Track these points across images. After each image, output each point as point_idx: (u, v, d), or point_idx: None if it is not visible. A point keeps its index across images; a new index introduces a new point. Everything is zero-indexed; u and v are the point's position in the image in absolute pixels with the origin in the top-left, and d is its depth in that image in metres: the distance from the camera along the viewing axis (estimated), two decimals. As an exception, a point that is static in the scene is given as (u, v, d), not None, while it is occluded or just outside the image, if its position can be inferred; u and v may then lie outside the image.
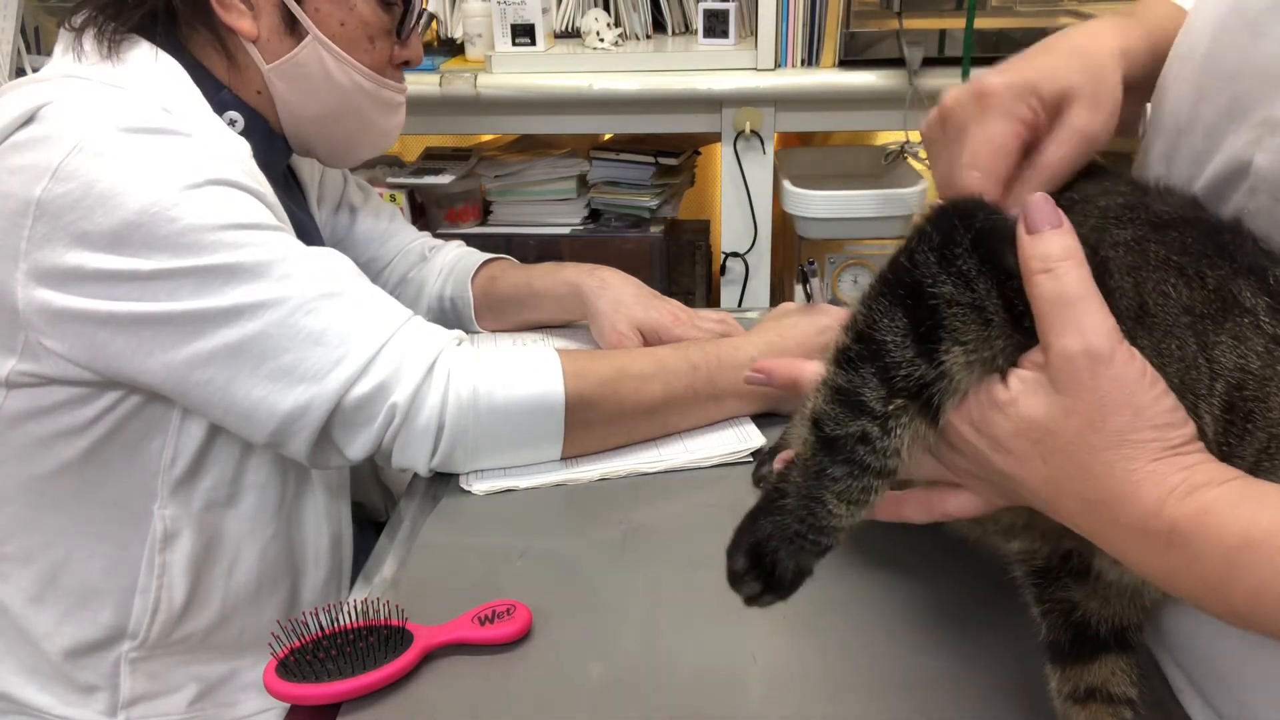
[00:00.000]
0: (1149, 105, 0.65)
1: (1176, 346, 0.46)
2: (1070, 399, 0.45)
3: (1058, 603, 0.57)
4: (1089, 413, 0.44)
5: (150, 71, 0.85)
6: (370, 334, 0.81)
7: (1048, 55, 0.65)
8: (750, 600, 0.54)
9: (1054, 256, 0.45)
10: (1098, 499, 0.45)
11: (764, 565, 0.53)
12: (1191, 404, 0.45)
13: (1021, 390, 0.47)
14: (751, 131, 1.72)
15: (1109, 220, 0.53)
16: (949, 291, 0.47)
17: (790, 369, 0.67)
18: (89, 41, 0.85)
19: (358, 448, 0.82)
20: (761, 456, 0.88)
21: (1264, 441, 0.44)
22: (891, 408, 0.48)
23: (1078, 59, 0.64)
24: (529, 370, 0.86)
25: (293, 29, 0.91)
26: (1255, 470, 0.44)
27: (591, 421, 0.88)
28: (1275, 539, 0.39)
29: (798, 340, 0.94)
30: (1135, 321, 0.47)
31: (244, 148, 0.86)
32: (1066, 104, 0.63)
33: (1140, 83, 0.64)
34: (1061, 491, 0.46)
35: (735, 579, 0.54)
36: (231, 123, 0.91)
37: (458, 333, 0.88)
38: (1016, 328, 0.47)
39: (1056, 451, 0.46)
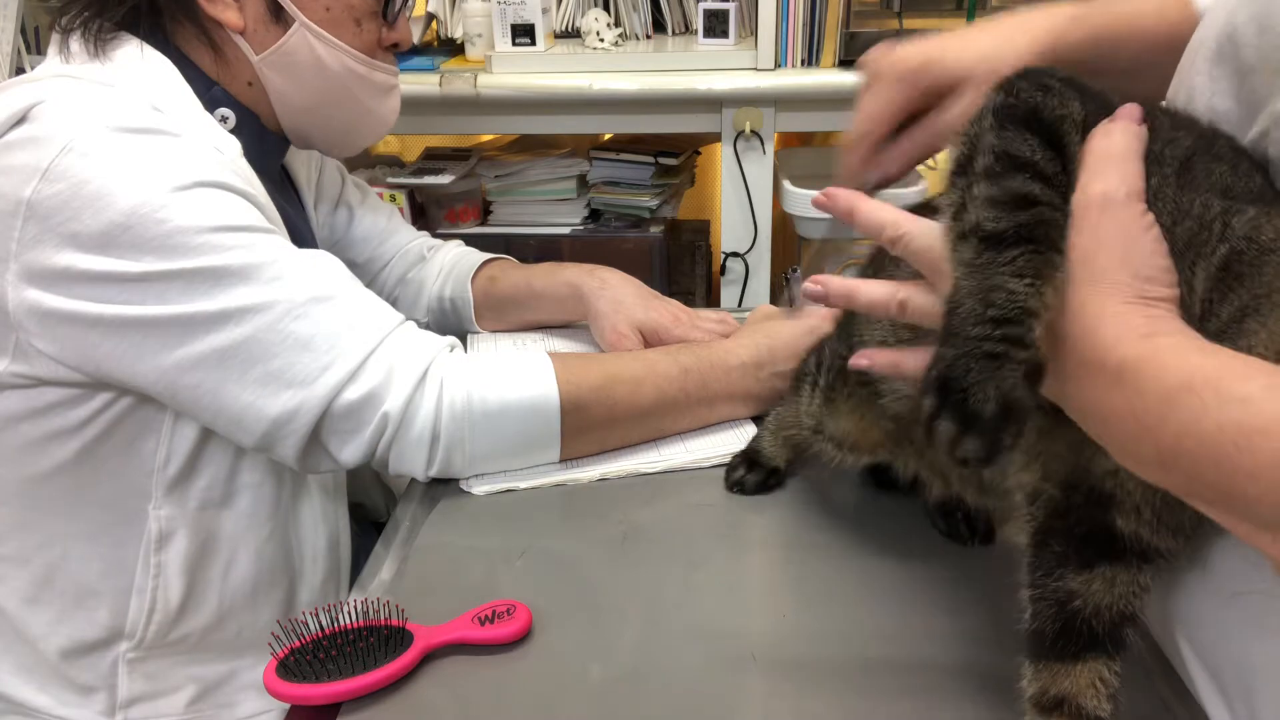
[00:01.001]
0: (1163, 104, 0.65)
1: (1200, 205, 0.49)
2: (1075, 235, 0.49)
3: (1051, 591, 0.55)
4: (1085, 247, 0.48)
5: (139, 69, 0.85)
6: (360, 339, 0.81)
7: (972, 35, 0.69)
8: (951, 449, 0.47)
9: (1114, 127, 0.51)
10: (1069, 333, 0.48)
11: (956, 399, 0.46)
12: (1191, 261, 0.48)
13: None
14: (751, 131, 1.72)
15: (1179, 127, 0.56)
16: (1060, 109, 0.52)
17: (851, 196, 0.63)
18: (76, 42, 0.85)
19: (349, 454, 0.82)
20: (734, 461, 0.87)
21: (1245, 301, 0.46)
22: (1059, 193, 0.50)
23: (993, 43, 0.68)
24: (523, 376, 0.86)
25: (279, 17, 0.90)
26: (1227, 329, 0.46)
27: (586, 426, 0.87)
28: (1213, 383, 0.42)
29: (786, 341, 0.94)
30: (1176, 172, 0.51)
31: (235, 146, 0.86)
32: (959, 89, 0.68)
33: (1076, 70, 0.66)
34: (1059, 324, 0.49)
35: (928, 425, 0.47)
36: (223, 120, 0.90)
37: (450, 339, 0.88)
38: None
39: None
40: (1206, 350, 0.44)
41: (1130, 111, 0.53)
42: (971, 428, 0.46)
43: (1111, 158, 0.50)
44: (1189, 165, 0.51)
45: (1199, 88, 0.58)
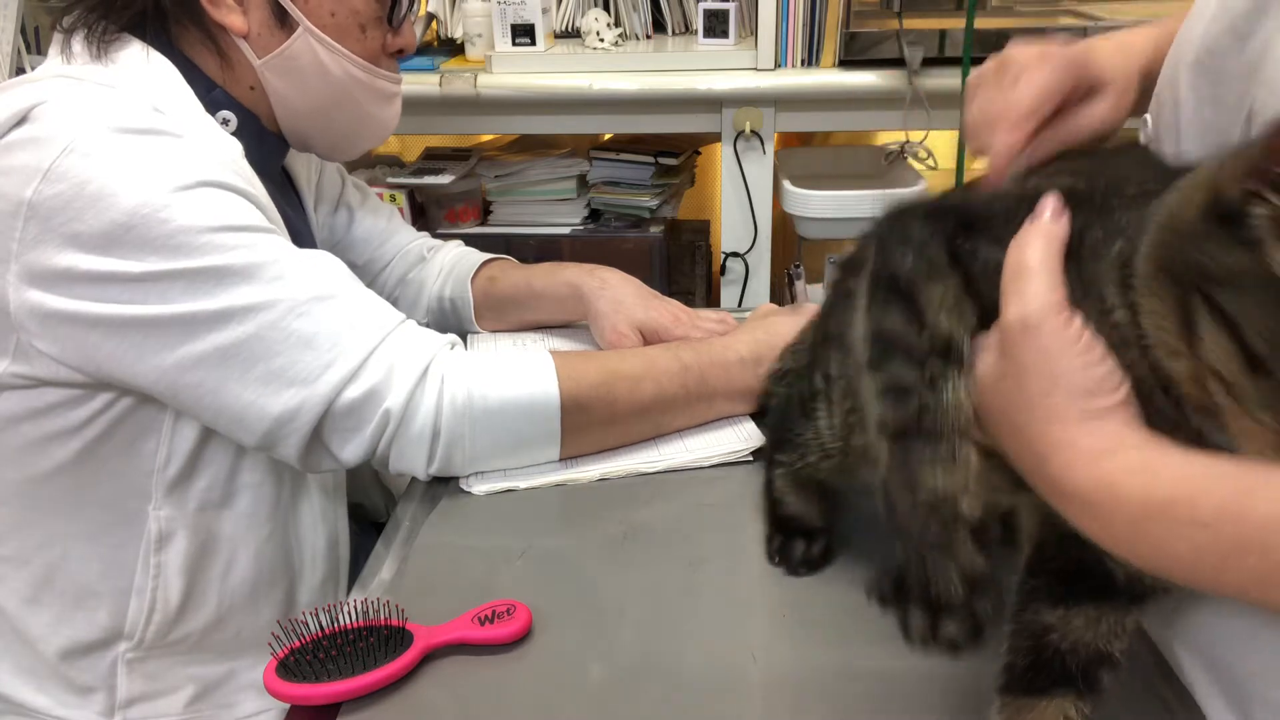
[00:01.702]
0: (1147, 116, 0.66)
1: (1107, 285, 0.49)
2: (1005, 363, 0.49)
3: (1027, 624, 0.55)
4: (1016, 376, 0.48)
5: (142, 71, 0.85)
6: (362, 337, 0.81)
7: (1100, 44, 0.72)
8: (930, 638, 0.51)
9: (1027, 236, 0.50)
10: (1030, 457, 0.48)
11: (918, 592, 0.51)
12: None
13: (980, 353, 0.51)
14: (751, 131, 1.72)
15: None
16: (923, 270, 0.52)
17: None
18: (79, 42, 0.85)
19: (351, 452, 0.82)
20: (768, 533, 0.78)
21: None
22: (929, 374, 0.51)
23: (1120, 56, 0.71)
24: (524, 374, 0.86)
25: (283, 22, 0.90)
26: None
27: (587, 424, 0.87)
28: (1169, 511, 0.42)
29: (786, 338, 0.94)
30: (1091, 257, 0.50)
31: (236, 148, 0.86)
32: (1098, 91, 0.69)
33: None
34: (1010, 446, 0.50)
35: (902, 625, 0.52)
36: (224, 122, 0.90)
37: (451, 337, 0.88)
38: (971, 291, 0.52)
39: (996, 411, 0.50)
40: (1147, 468, 0.44)
41: (1047, 207, 0.51)
42: (944, 613, 0.49)
43: (1025, 272, 0.49)
44: (1095, 245, 0.50)
45: (1183, 99, 0.58)
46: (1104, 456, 0.45)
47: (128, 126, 0.77)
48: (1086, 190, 0.54)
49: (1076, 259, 0.50)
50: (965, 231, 0.54)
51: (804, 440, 0.73)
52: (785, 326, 0.96)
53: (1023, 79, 0.66)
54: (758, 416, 0.94)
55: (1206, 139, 0.57)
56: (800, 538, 0.75)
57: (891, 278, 0.53)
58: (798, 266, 1.83)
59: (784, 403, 0.80)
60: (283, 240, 0.83)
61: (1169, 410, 0.46)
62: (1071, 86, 0.67)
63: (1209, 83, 0.55)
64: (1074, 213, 0.51)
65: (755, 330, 0.97)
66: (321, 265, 0.84)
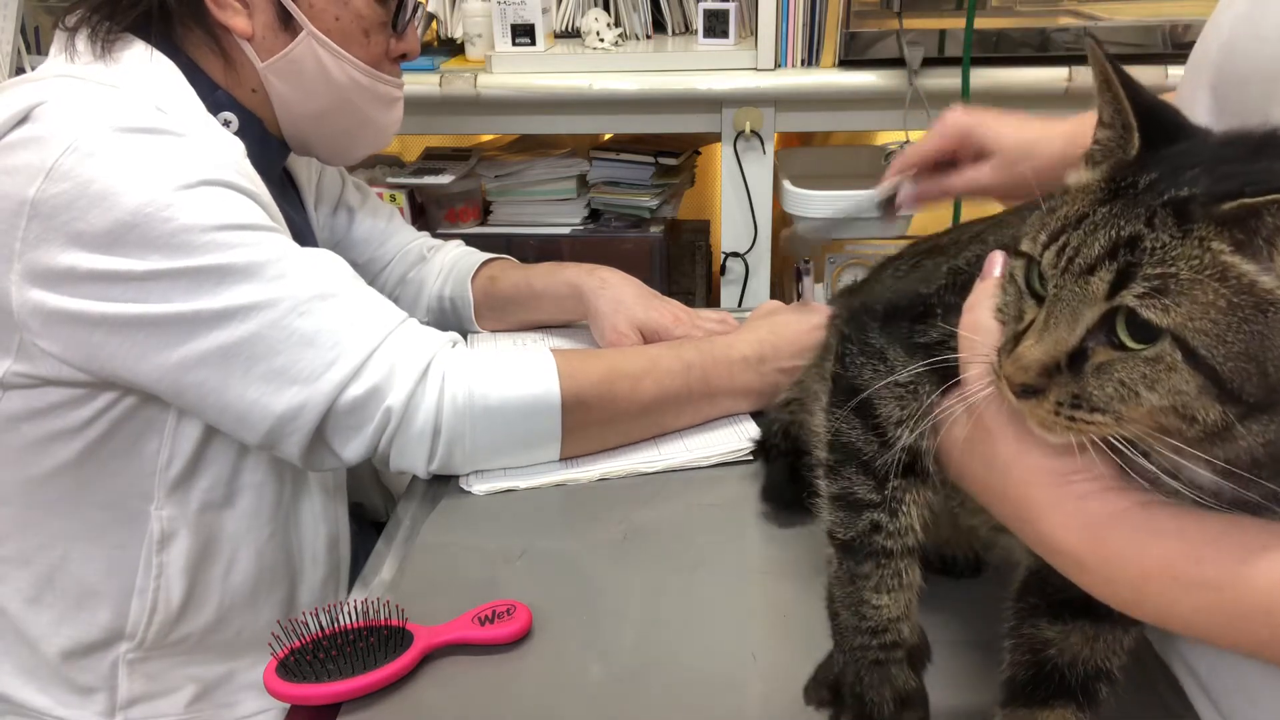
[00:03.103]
0: None
1: None
2: (976, 428, 0.49)
3: (1027, 638, 0.55)
4: (986, 441, 0.48)
5: (144, 71, 0.85)
6: (364, 336, 0.81)
7: (1001, 120, 0.86)
8: None
9: (974, 299, 0.50)
10: (1016, 518, 0.48)
11: (853, 702, 0.54)
12: None
13: (948, 419, 0.51)
14: (751, 131, 1.72)
15: None
16: (875, 379, 0.54)
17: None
18: (82, 41, 0.85)
19: (353, 450, 0.82)
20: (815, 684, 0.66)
21: None
22: (887, 492, 0.53)
23: (1015, 132, 0.85)
24: (525, 372, 0.86)
25: (287, 25, 0.90)
26: None
27: (588, 422, 0.87)
28: (1168, 571, 0.42)
29: (789, 338, 0.94)
30: None
31: (238, 148, 0.86)
32: (985, 157, 0.86)
33: None
34: (993, 506, 0.50)
35: None
36: (226, 123, 0.90)
37: (452, 335, 0.88)
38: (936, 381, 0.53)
39: (972, 475, 0.50)
40: (1142, 530, 0.43)
41: (994, 264, 0.52)
42: None
43: (981, 333, 0.48)
44: None
45: (1203, 105, 0.58)
46: (1094, 518, 0.44)
47: (130, 126, 0.78)
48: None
49: None
50: (922, 319, 0.55)
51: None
52: (792, 326, 0.96)
53: (923, 136, 0.84)
54: (758, 416, 0.94)
55: None
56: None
57: (850, 388, 0.55)
58: (807, 263, 1.83)
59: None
60: (285, 239, 0.83)
61: (1136, 455, 0.44)
62: (956, 147, 0.84)
63: (1230, 86, 0.56)
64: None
65: (759, 328, 0.97)
66: (324, 264, 0.84)
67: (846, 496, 0.55)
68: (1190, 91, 0.61)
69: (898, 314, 0.57)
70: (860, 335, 0.57)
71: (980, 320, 0.49)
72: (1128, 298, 0.40)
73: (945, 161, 0.90)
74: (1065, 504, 0.45)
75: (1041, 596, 0.55)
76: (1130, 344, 0.40)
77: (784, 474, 0.81)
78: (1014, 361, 0.43)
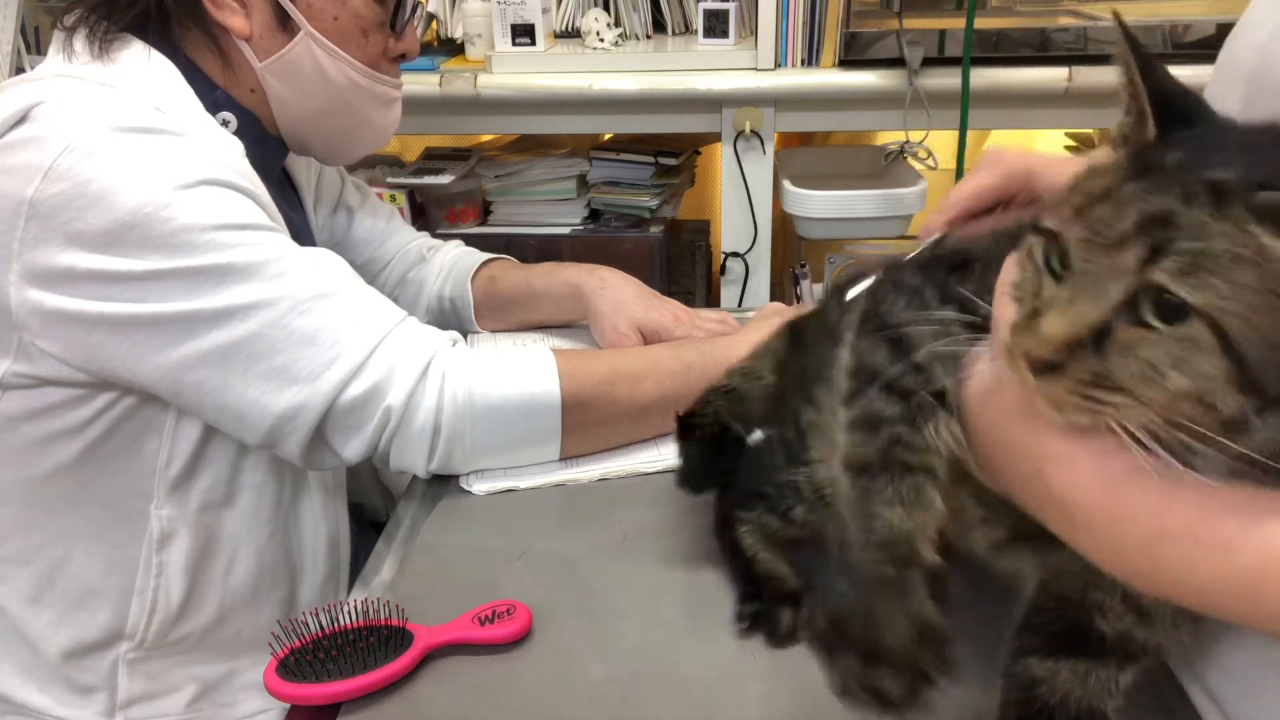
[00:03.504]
0: None
1: None
2: (1000, 379, 0.46)
3: (1016, 677, 0.55)
4: (1009, 385, 0.45)
5: (143, 71, 0.85)
6: (364, 335, 0.81)
7: (1056, 163, 0.76)
8: (860, 687, 0.45)
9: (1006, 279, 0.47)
10: (1025, 473, 0.46)
11: (856, 634, 0.46)
12: None
13: (974, 367, 0.49)
14: (751, 131, 1.72)
15: None
16: (907, 312, 0.52)
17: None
18: (80, 41, 0.85)
19: (353, 449, 0.82)
20: (749, 610, 0.69)
21: None
22: (913, 407, 0.49)
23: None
24: (524, 371, 0.86)
25: (285, 25, 0.90)
26: None
27: (587, 422, 0.87)
28: (1186, 531, 0.40)
29: None
30: None
31: (237, 148, 0.86)
32: (1038, 203, 0.77)
33: None
34: (1002, 462, 0.48)
35: (830, 672, 0.47)
36: (224, 123, 0.90)
37: (452, 334, 0.88)
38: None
39: (987, 424, 0.48)
40: (1172, 487, 0.40)
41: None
42: (882, 664, 0.44)
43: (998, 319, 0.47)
44: None
45: (1230, 109, 0.58)
46: (1109, 473, 0.42)
47: (129, 125, 0.77)
48: None
49: None
50: (959, 271, 0.54)
51: (787, 486, 0.68)
52: None
53: (970, 176, 0.75)
54: (688, 435, 0.81)
55: None
56: (786, 603, 0.67)
57: (881, 319, 0.53)
58: (804, 266, 1.83)
59: (757, 453, 0.74)
60: (284, 238, 0.83)
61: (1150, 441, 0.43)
62: (1007, 192, 0.73)
63: (1262, 92, 0.55)
64: None
65: (760, 330, 0.97)
66: (323, 263, 0.84)
67: (866, 417, 0.50)
68: (1219, 101, 0.60)
69: (936, 262, 0.56)
70: (895, 274, 0.56)
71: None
72: (1159, 273, 0.38)
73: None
74: (1082, 457, 0.43)
75: (1037, 635, 0.55)
76: (1156, 323, 0.39)
77: (698, 461, 0.79)
78: (1035, 335, 0.42)
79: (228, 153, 0.84)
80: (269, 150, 0.97)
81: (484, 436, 0.84)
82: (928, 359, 0.50)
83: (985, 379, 0.49)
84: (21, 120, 0.77)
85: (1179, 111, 0.43)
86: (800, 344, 0.76)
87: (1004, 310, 0.46)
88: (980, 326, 0.49)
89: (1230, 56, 0.60)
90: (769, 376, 0.79)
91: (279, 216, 0.87)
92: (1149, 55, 0.43)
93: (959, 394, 0.50)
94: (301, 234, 1.02)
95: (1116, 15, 0.45)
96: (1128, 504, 0.41)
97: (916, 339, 0.51)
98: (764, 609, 0.67)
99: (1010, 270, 0.48)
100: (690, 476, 0.79)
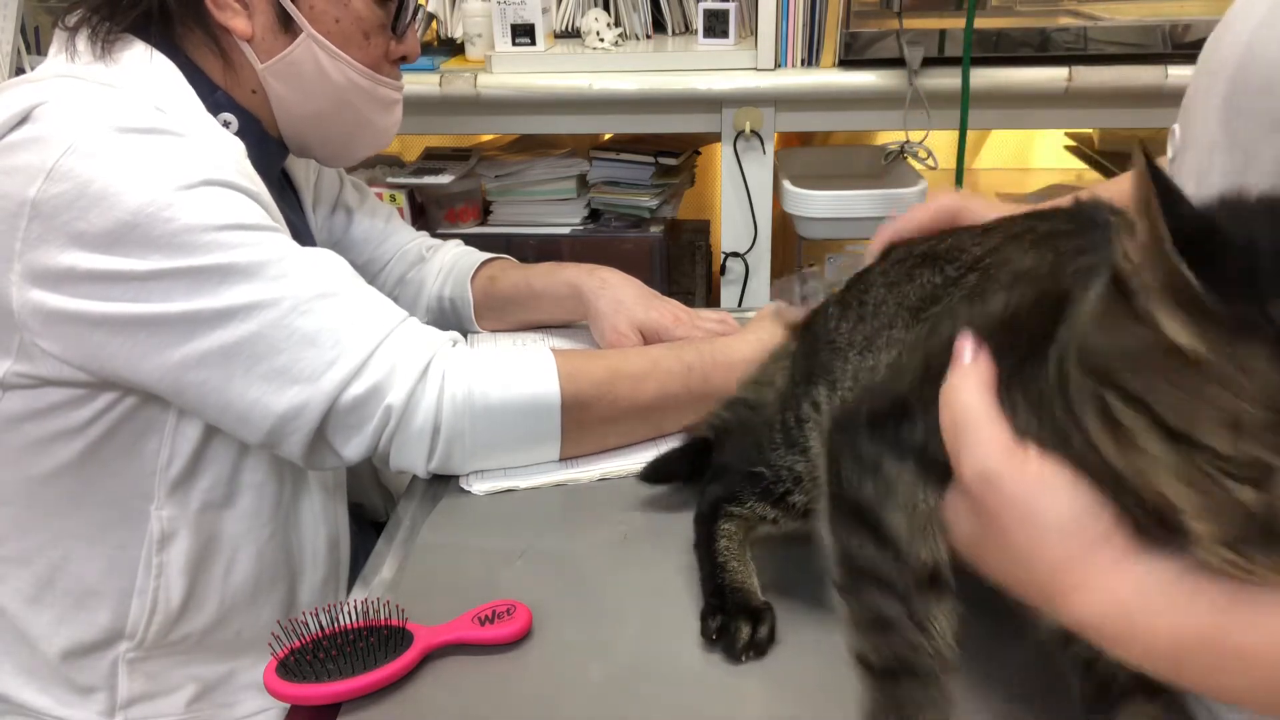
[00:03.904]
0: (1175, 126, 0.66)
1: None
2: (980, 521, 0.47)
3: (1072, 658, 0.55)
4: (997, 534, 0.46)
5: (144, 71, 0.85)
6: (365, 335, 0.81)
7: (981, 203, 0.81)
8: None
9: (952, 384, 0.48)
10: (1044, 602, 0.46)
11: None
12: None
13: (952, 516, 0.50)
14: (751, 131, 1.72)
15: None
16: (875, 493, 0.52)
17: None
18: (82, 41, 0.85)
19: (353, 449, 0.82)
20: (715, 623, 0.68)
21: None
22: (914, 612, 0.51)
23: (996, 214, 0.78)
24: (524, 371, 0.86)
25: (287, 27, 0.90)
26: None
27: (587, 422, 0.87)
28: (1208, 645, 0.41)
29: None
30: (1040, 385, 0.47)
31: (238, 148, 0.86)
32: None
33: None
34: (1019, 593, 0.48)
35: None
36: (226, 124, 0.90)
37: (453, 334, 0.88)
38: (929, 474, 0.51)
39: (994, 569, 0.48)
40: (1185, 603, 0.41)
41: (964, 348, 0.49)
42: None
43: (964, 424, 0.46)
44: (1025, 367, 0.48)
45: (1214, 111, 0.58)
46: (1124, 598, 0.42)
47: (130, 126, 0.78)
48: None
49: (1008, 385, 0.47)
50: (907, 417, 0.53)
51: (778, 474, 0.69)
52: None
53: (912, 210, 0.81)
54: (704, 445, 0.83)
55: (1232, 151, 0.56)
56: (745, 618, 0.66)
57: (854, 507, 0.53)
58: (812, 267, 1.83)
59: (749, 443, 0.73)
60: (286, 238, 0.83)
61: (1150, 523, 0.42)
62: (935, 227, 0.79)
63: (1248, 93, 0.55)
64: (997, 336, 0.49)
65: (760, 330, 0.97)
66: (324, 263, 0.84)
67: (874, 620, 0.52)
68: (1202, 98, 0.60)
69: (881, 417, 0.55)
70: (852, 449, 0.54)
71: (959, 413, 0.47)
72: None
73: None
74: (1090, 582, 0.43)
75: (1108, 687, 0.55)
76: None
77: (666, 456, 0.82)
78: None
79: (229, 153, 0.84)
80: (269, 151, 0.97)
81: (483, 436, 0.84)
82: (909, 545, 0.51)
83: (966, 528, 0.49)
84: (23, 121, 0.77)
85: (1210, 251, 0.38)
86: (810, 339, 0.75)
87: (956, 404, 0.47)
88: (944, 471, 0.49)
89: (1212, 54, 0.60)
90: (780, 383, 0.79)
91: (280, 217, 0.87)
92: (1172, 188, 0.38)
93: (949, 553, 0.51)
94: (301, 234, 1.02)
95: (1142, 151, 0.39)
96: (1143, 626, 0.42)
97: (894, 528, 0.52)
98: (725, 622, 0.66)
99: (960, 376, 0.48)
100: (654, 471, 0.83)
